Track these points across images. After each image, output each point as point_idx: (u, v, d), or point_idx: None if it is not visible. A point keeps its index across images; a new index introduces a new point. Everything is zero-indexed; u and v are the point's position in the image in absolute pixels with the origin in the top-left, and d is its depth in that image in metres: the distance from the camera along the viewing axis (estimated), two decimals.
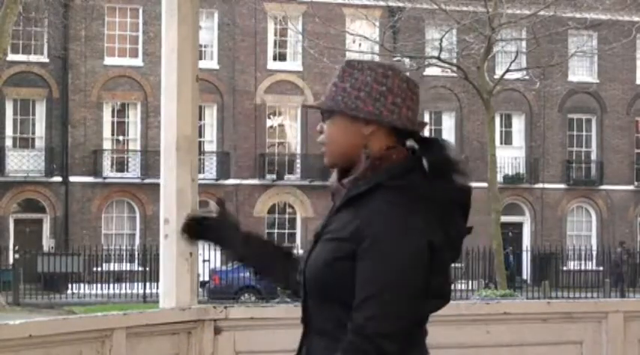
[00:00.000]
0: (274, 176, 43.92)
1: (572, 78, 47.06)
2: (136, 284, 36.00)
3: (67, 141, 41.94)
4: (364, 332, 2.74)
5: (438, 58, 31.56)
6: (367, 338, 2.74)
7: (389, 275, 2.77)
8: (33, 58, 41.30)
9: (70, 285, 37.05)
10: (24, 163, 41.55)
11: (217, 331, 4.78)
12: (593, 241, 46.71)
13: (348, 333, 2.76)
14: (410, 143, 2.93)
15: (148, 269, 35.57)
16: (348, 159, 2.94)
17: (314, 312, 2.91)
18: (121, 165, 42.74)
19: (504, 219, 36.25)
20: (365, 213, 2.83)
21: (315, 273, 2.88)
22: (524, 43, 38.82)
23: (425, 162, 2.89)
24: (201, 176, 37.58)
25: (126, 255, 39.46)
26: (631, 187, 48.06)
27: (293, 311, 5.02)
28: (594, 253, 43.62)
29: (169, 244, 4.78)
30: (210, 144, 43.51)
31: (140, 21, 42.98)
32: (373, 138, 2.90)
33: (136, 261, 39.35)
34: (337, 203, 2.95)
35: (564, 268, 42.42)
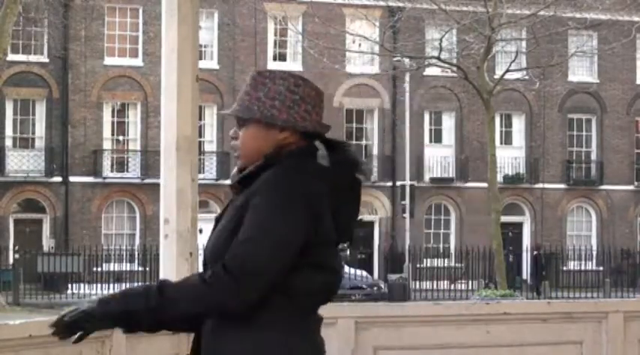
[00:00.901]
0: None
1: (572, 78, 47.05)
2: (136, 284, 35.85)
3: (67, 141, 41.94)
4: (228, 265, 2.89)
5: (438, 58, 31.56)
6: (229, 271, 2.88)
7: (264, 223, 2.92)
8: (33, 58, 41.29)
9: (70, 285, 37.04)
10: (24, 163, 41.54)
11: None
12: (593, 241, 46.71)
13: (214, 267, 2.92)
14: (317, 143, 3.12)
15: (147, 269, 35.59)
16: None
17: None
18: (121, 165, 42.73)
19: (504, 219, 36.24)
20: (254, 186, 3.01)
21: (211, 250, 3.04)
22: (524, 43, 38.82)
23: (327, 158, 3.08)
24: (201, 176, 37.58)
25: (126, 255, 39.46)
26: (631, 187, 48.06)
27: None
28: (594, 253, 43.64)
29: (169, 244, 4.78)
30: (210, 144, 43.52)
31: (140, 21, 42.97)
32: (286, 142, 3.10)
33: (136, 261, 39.36)
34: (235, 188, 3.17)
35: (564, 268, 42.43)
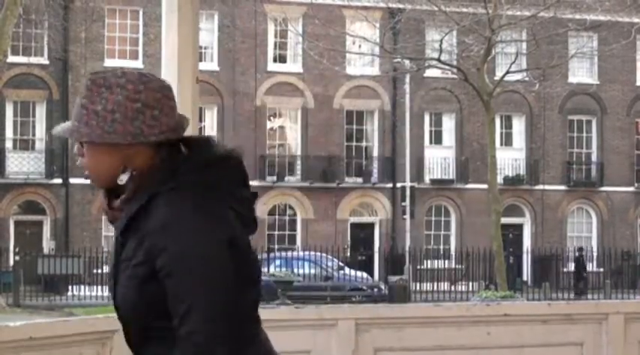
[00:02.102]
0: (275, 177, 43.92)
1: (572, 79, 47.06)
2: None
3: (67, 143, 41.93)
4: (193, 343, 2.64)
5: (438, 60, 31.56)
6: (198, 347, 2.64)
7: (198, 282, 2.67)
8: (33, 59, 41.31)
9: (70, 287, 37.04)
10: (24, 165, 41.54)
11: None
12: (594, 243, 46.71)
13: (178, 351, 2.67)
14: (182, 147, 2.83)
15: None
16: (114, 181, 2.82)
17: (141, 344, 2.82)
18: None
19: (504, 220, 36.23)
20: (151, 227, 2.72)
21: (129, 313, 2.80)
22: (524, 45, 38.80)
23: (195, 159, 2.79)
24: None
25: None
26: (631, 189, 48.06)
27: (293, 313, 5.02)
28: (595, 255, 43.63)
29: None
30: None
31: (140, 23, 42.99)
32: (137, 156, 2.78)
33: None
34: (118, 230, 2.85)
35: (565, 270, 42.42)
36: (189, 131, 4.95)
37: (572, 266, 42.87)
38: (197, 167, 2.78)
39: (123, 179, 2.80)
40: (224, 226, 2.75)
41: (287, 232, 44.31)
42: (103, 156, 2.80)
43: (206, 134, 2.96)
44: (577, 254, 42.49)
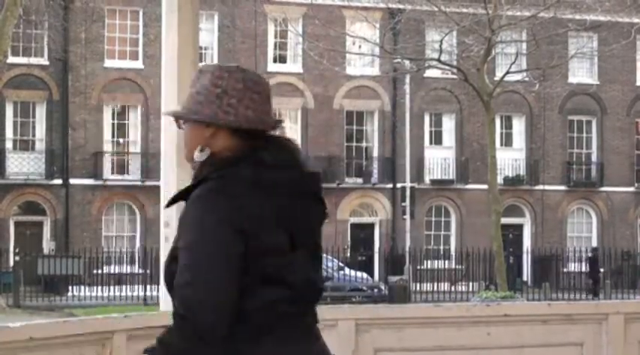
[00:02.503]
0: None
1: (572, 79, 47.05)
2: (136, 286, 36.00)
3: (67, 143, 41.94)
4: (179, 298, 2.84)
5: (438, 60, 31.55)
6: (182, 304, 2.83)
7: (194, 247, 2.86)
8: (33, 60, 41.30)
9: (70, 288, 37.04)
10: (24, 166, 41.54)
11: None
12: (594, 243, 46.70)
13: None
14: (258, 143, 2.98)
15: (148, 271, 35.57)
16: (193, 157, 3.04)
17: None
18: (121, 168, 42.73)
19: (504, 220, 36.20)
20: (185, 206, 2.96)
21: (163, 274, 3.07)
22: (524, 45, 38.79)
23: (266, 158, 2.94)
24: None
25: (126, 257, 39.47)
26: (631, 189, 48.06)
27: None
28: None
29: (170, 247, 4.77)
30: None
31: (140, 23, 42.98)
32: (214, 139, 2.98)
33: (137, 264, 39.34)
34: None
35: (565, 270, 42.42)
36: None
37: (572, 267, 42.84)
38: (255, 163, 2.93)
39: (197, 156, 3.01)
40: (239, 214, 2.86)
41: None
42: (189, 133, 3.02)
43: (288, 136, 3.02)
44: (591, 254, 42.33)
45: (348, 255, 41.60)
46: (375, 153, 45.51)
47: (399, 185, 44.03)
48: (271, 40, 44.78)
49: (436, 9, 33.07)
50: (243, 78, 3.01)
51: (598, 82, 47.70)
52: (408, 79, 42.51)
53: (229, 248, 2.84)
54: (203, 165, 2.98)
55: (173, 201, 3.05)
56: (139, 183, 41.95)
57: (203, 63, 41.27)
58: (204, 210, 2.87)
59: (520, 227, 46.95)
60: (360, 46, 39.45)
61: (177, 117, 3.02)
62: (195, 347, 2.82)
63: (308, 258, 2.98)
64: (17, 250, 37.73)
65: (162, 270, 3.10)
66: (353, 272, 37.16)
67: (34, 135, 42.21)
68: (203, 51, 42.65)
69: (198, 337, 2.81)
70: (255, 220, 2.87)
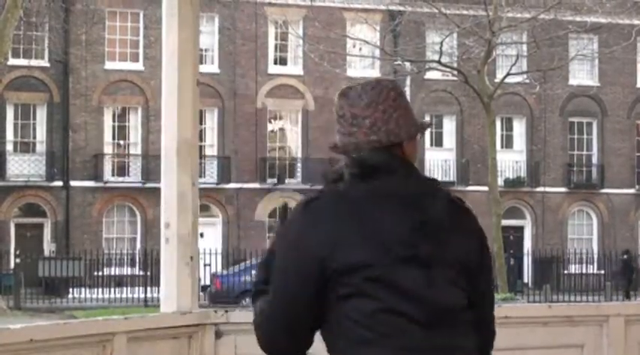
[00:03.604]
0: (275, 180, 43.92)
1: (572, 81, 47.04)
2: (137, 288, 35.99)
3: (67, 145, 41.95)
4: (255, 323, 2.99)
5: (439, 62, 31.58)
6: (255, 326, 2.99)
7: (273, 276, 2.93)
8: (34, 62, 41.31)
9: (71, 290, 37.03)
10: (25, 168, 41.54)
11: (218, 335, 4.78)
12: (594, 245, 46.69)
13: None
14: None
15: (148, 273, 35.57)
16: None
17: None
18: (121, 170, 42.73)
19: (505, 222, 36.24)
20: None
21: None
22: (524, 47, 38.82)
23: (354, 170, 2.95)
24: (202, 180, 37.57)
25: (127, 259, 39.46)
26: (632, 191, 48.05)
27: None
28: (595, 257, 43.61)
29: (170, 248, 4.78)
30: (211, 148, 43.51)
31: (141, 25, 42.99)
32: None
33: (137, 266, 39.35)
34: None
35: (565, 272, 42.41)
36: (190, 135, 4.93)
37: (573, 269, 42.84)
38: (355, 178, 2.93)
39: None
40: (316, 237, 2.85)
41: None
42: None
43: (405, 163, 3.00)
44: (624, 256, 42.22)
45: None
46: None
47: None
48: (272, 42, 44.78)
49: (436, 11, 33.09)
50: (338, 103, 2.98)
51: (598, 84, 47.69)
52: (408, 81, 42.50)
53: (286, 266, 2.90)
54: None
55: None
56: (139, 185, 41.95)
57: (203, 65, 41.37)
58: (279, 237, 2.97)
59: (521, 229, 46.93)
60: (360, 48, 39.48)
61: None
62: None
63: (415, 271, 2.84)
64: (18, 252, 37.71)
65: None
66: None
67: (34, 137, 42.22)
68: (203, 53, 42.66)
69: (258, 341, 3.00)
70: (337, 238, 2.83)
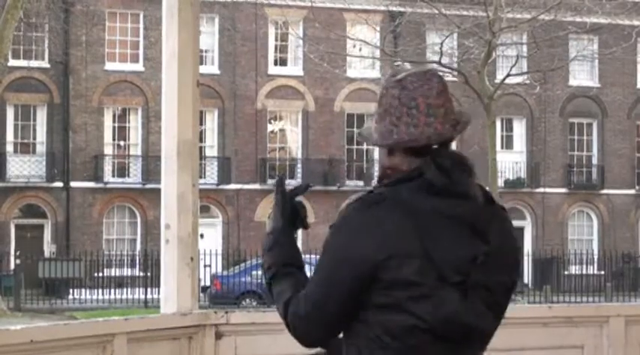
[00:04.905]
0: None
1: (572, 82, 47.05)
2: (137, 289, 35.99)
3: (68, 146, 41.95)
4: (288, 307, 2.94)
5: (439, 63, 31.53)
6: (289, 313, 2.94)
7: (320, 266, 2.88)
8: (34, 63, 41.32)
9: (71, 291, 37.02)
10: (25, 169, 41.55)
11: (218, 336, 4.78)
12: (595, 245, 46.69)
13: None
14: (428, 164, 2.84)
15: (149, 274, 35.58)
16: None
17: None
18: (122, 171, 42.74)
19: None
20: None
21: None
22: (524, 48, 38.80)
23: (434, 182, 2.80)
24: (202, 181, 37.57)
25: (127, 260, 39.45)
26: (632, 191, 48.05)
27: None
28: (595, 257, 43.61)
29: (170, 249, 4.78)
30: (211, 149, 43.52)
31: (141, 26, 43.00)
32: (391, 159, 2.89)
33: (137, 267, 39.34)
34: None
35: (565, 272, 42.40)
36: (190, 136, 4.94)
37: (573, 269, 42.87)
38: (418, 187, 2.80)
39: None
40: (368, 240, 2.79)
41: None
42: (379, 154, 3.02)
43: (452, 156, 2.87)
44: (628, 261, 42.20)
45: None
46: (376, 156, 45.47)
47: None
48: (272, 43, 44.79)
49: (436, 12, 33.07)
50: (399, 94, 2.83)
51: (599, 85, 47.70)
52: None
53: (344, 277, 2.81)
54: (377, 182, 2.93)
55: None
56: (139, 185, 41.95)
57: (203, 66, 41.39)
58: (335, 229, 2.87)
59: (521, 229, 46.91)
60: (360, 49, 39.46)
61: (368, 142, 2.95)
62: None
63: (457, 294, 2.79)
64: (18, 253, 37.72)
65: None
66: None
67: (34, 138, 42.23)
68: (204, 54, 42.68)
69: (293, 333, 2.98)
70: (388, 248, 2.76)
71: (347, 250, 2.81)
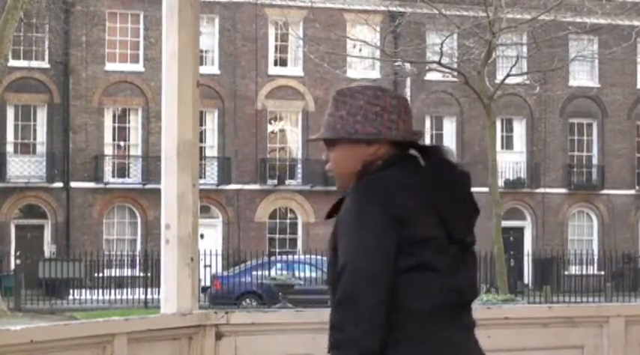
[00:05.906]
0: (275, 181, 43.92)
1: (572, 82, 47.05)
2: (137, 289, 35.98)
3: (68, 146, 41.96)
4: (332, 319, 2.97)
5: (439, 63, 31.54)
6: (333, 327, 2.95)
7: (347, 242, 2.97)
8: (34, 63, 41.33)
9: (71, 291, 37.01)
10: (25, 169, 41.55)
11: (219, 336, 4.78)
12: (595, 246, 46.69)
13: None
14: (412, 152, 3.13)
15: (149, 274, 35.58)
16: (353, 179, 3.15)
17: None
18: (122, 171, 42.75)
19: (505, 223, 36.20)
20: (339, 215, 3.09)
21: (327, 281, 3.14)
22: (524, 48, 38.80)
23: (423, 163, 3.10)
24: (202, 181, 37.57)
25: (127, 260, 39.45)
26: (632, 192, 48.05)
27: (294, 316, 5.02)
28: (595, 258, 43.61)
29: (170, 249, 4.78)
30: (212, 150, 43.52)
31: (141, 26, 43.01)
32: (376, 157, 3.10)
33: (138, 267, 39.34)
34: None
35: (565, 273, 42.40)
36: (190, 136, 4.93)
37: (573, 270, 42.87)
38: (408, 166, 3.06)
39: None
40: (395, 209, 2.95)
41: (288, 236, 44.29)
42: (347, 156, 3.13)
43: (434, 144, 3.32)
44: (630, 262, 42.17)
45: None
46: None
47: None
48: (272, 44, 44.80)
49: (437, 12, 33.06)
50: (395, 95, 3.19)
51: (599, 85, 47.70)
52: (408, 82, 42.49)
53: (385, 243, 2.92)
54: (361, 173, 3.09)
55: (330, 215, 3.15)
56: (139, 186, 41.96)
57: (204, 66, 41.37)
58: (359, 203, 2.97)
59: (521, 230, 46.93)
60: (360, 49, 39.44)
61: (340, 139, 3.11)
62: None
63: (466, 254, 3.08)
64: (18, 253, 37.72)
65: (328, 270, 3.13)
66: None
67: (35, 139, 42.24)
68: (204, 54, 42.69)
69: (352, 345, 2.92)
70: (408, 210, 2.96)
71: (376, 217, 2.94)
